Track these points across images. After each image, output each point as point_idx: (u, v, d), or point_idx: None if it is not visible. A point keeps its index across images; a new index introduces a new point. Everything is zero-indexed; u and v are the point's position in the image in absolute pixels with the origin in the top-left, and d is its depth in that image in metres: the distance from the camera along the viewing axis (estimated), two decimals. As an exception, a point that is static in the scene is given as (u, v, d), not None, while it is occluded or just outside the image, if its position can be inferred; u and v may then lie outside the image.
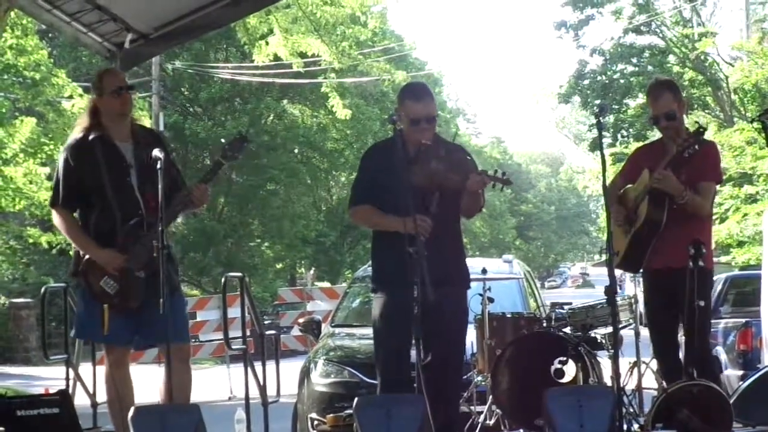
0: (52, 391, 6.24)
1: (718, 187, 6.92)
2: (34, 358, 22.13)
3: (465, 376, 6.91)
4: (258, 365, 6.80)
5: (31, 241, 19.45)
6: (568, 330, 7.44)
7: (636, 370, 7.57)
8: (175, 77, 31.31)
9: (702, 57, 29.68)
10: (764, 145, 19.47)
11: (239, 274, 7.21)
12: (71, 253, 6.12)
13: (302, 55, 20.90)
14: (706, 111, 30.83)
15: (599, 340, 7.49)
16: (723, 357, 11.04)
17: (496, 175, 5.65)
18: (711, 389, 5.82)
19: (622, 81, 32.83)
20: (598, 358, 7.57)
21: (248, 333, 7.44)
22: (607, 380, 7.38)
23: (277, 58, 20.31)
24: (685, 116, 6.73)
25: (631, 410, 6.97)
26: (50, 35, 25.97)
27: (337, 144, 34.17)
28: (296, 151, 33.59)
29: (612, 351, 6.06)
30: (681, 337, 6.52)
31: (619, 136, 32.08)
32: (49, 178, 16.15)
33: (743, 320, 10.94)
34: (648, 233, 6.26)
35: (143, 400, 5.90)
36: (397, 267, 5.46)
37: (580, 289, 63.71)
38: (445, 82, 59.38)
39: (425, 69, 41.42)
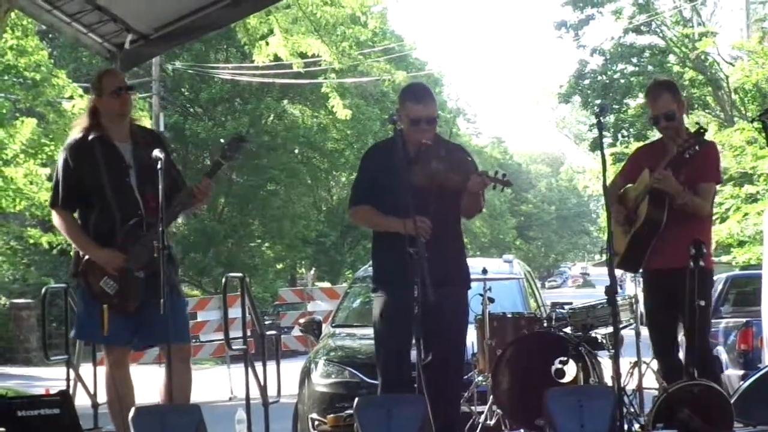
0: (52, 391, 6.24)
1: (718, 187, 6.92)
2: (35, 358, 22.12)
3: (465, 377, 6.90)
4: (258, 365, 6.80)
5: (31, 241, 19.44)
6: (568, 330, 7.43)
7: (636, 370, 7.55)
8: (176, 78, 31.31)
9: (702, 57, 29.69)
10: (764, 145, 19.48)
11: (240, 274, 7.21)
12: (72, 253, 6.12)
13: (302, 55, 20.90)
14: (707, 111, 30.83)
15: (600, 340, 7.48)
16: (724, 357, 11.04)
17: (496, 176, 5.65)
18: (712, 389, 5.82)
19: (622, 81, 32.83)
20: (599, 358, 7.56)
21: (249, 333, 7.44)
22: (608, 380, 7.38)
23: (277, 58, 20.31)
24: (685, 116, 6.73)
25: (632, 410, 6.96)
26: (50, 36, 25.97)
27: (338, 144, 34.17)
28: (296, 151, 33.58)
29: (612, 351, 6.06)
30: (681, 337, 6.53)
31: (619, 135, 32.09)
32: (49, 178, 16.13)
33: (744, 320, 10.94)
34: (648, 233, 6.26)
35: (144, 401, 5.90)
36: (398, 267, 5.46)
37: (581, 289, 63.71)
38: (446, 82, 59.37)
39: (425, 69, 41.41)
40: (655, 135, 6.72)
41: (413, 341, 5.35)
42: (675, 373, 6.19)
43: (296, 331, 16.26)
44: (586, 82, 33.92)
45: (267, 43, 19.85)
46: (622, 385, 6.18)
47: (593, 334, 7.43)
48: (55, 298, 8.52)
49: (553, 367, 7.01)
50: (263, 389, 6.80)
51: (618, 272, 6.24)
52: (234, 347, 7.84)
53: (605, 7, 32.47)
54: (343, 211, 34.34)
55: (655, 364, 6.83)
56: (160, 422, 5.16)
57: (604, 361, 7.47)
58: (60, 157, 6.11)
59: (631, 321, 7.60)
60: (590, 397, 5.50)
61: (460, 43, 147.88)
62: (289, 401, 8.03)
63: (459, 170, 5.65)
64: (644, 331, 6.94)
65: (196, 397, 6.02)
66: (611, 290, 5.67)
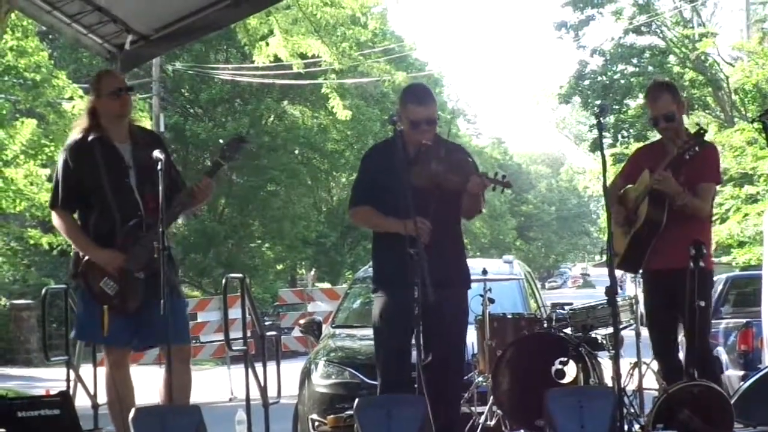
0: (52, 392, 6.24)
1: (718, 187, 6.92)
2: (35, 359, 22.12)
3: (466, 377, 6.90)
4: (259, 366, 6.79)
5: (31, 242, 19.42)
6: (568, 330, 7.43)
7: (637, 371, 7.56)
8: (176, 78, 31.31)
9: (702, 57, 29.70)
10: (765, 146, 19.49)
11: (240, 275, 7.20)
12: (72, 254, 6.12)
13: (302, 56, 20.89)
14: (707, 111, 30.85)
15: (600, 341, 7.48)
16: (724, 357, 11.03)
17: (496, 177, 5.65)
18: (712, 390, 5.82)
19: (622, 81, 32.84)
20: (599, 359, 7.56)
21: (249, 334, 7.43)
22: (608, 381, 7.38)
23: (277, 59, 20.29)
24: (685, 117, 6.73)
25: (632, 411, 6.96)
26: (51, 37, 25.96)
27: (338, 145, 34.18)
28: (297, 152, 33.58)
29: (613, 351, 6.05)
30: (681, 338, 6.53)
31: (619, 136, 32.10)
32: (49, 179, 16.14)
33: (744, 320, 10.94)
34: (648, 234, 6.26)
35: (144, 401, 5.90)
36: (398, 268, 5.46)
37: (581, 290, 63.68)
38: (446, 83, 59.42)
39: (425, 70, 41.41)
40: (655, 135, 6.72)
41: (413, 342, 5.34)
42: (675, 374, 6.19)
43: (296, 332, 16.27)
44: (586, 82, 33.94)
45: (267, 44, 19.83)
46: (622, 386, 6.18)
47: (593, 335, 7.43)
48: (56, 299, 8.51)
49: (554, 368, 7.01)
50: (263, 390, 6.79)
51: (618, 273, 6.23)
52: (234, 348, 7.83)
53: (605, 7, 32.48)
54: (343, 211, 34.35)
55: (655, 365, 6.83)
56: (160, 423, 5.16)
57: (605, 361, 7.47)
58: (60, 158, 6.11)
59: (632, 322, 7.60)
60: (590, 398, 5.50)
61: (460, 44, 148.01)
62: (289, 402, 8.02)
63: (459, 171, 5.65)
64: (644, 332, 6.94)
65: (196, 397, 6.02)
66: (611, 291, 5.67)
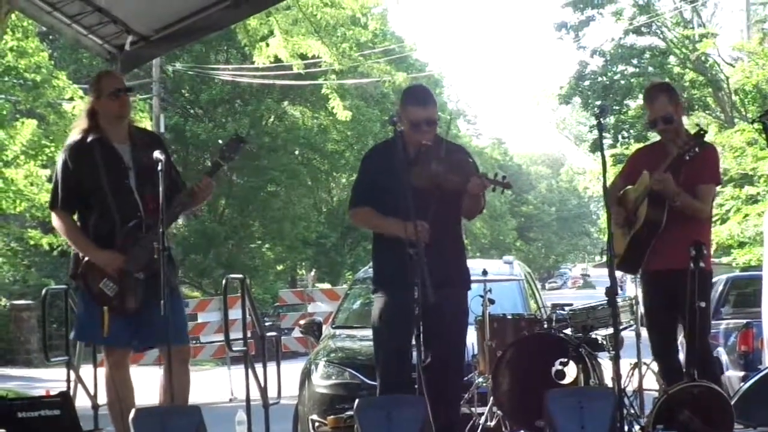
0: (53, 392, 6.24)
1: (718, 188, 6.92)
2: (35, 359, 22.12)
3: (466, 378, 6.91)
4: (259, 367, 6.79)
5: (32, 242, 19.43)
6: (568, 331, 7.43)
7: (637, 372, 7.56)
8: (176, 79, 31.32)
9: (703, 58, 29.70)
10: (765, 146, 19.48)
11: (240, 275, 7.20)
12: (72, 255, 6.12)
13: (303, 56, 20.89)
14: (707, 112, 30.85)
15: (600, 342, 7.48)
16: (724, 358, 11.03)
17: (496, 178, 5.64)
18: (712, 390, 5.82)
19: (622, 82, 32.86)
20: (599, 360, 7.57)
21: (249, 334, 7.44)
22: (608, 381, 7.38)
23: (277, 59, 20.29)
24: (685, 117, 6.73)
25: (632, 411, 6.96)
26: (51, 37, 25.98)
27: (338, 145, 34.19)
28: (297, 152, 33.59)
29: (613, 352, 6.06)
30: (681, 339, 6.52)
31: (619, 137, 32.11)
32: (49, 180, 16.15)
33: (744, 321, 10.94)
34: (647, 235, 6.26)
35: (144, 402, 5.90)
36: (398, 268, 5.46)
37: (581, 291, 63.69)
38: (446, 84, 59.47)
39: (426, 70, 41.43)
40: (655, 137, 6.72)
41: (413, 342, 5.34)
42: (674, 375, 6.19)
43: (296, 333, 16.27)
44: (587, 83, 33.95)
45: (267, 45, 19.83)
46: (622, 387, 6.18)
47: (593, 336, 7.43)
48: (56, 300, 8.51)
49: (554, 369, 7.01)
50: (263, 390, 6.79)
51: (618, 274, 6.23)
52: (234, 348, 7.84)
53: (605, 8, 32.50)
54: (343, 212, 34.35)
55: (655, 366, 6.83)
56: (160, 423, 5.16)
57: (605, 362, 7.47)
58: (59, 158, 6.11)
59: (632, 322, 7.61)
60: (590, 399, 5.50)
61: (460, 44, 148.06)
62: (289, 402, 8.02)
63: (459, 171, 5.65)
64: (644, 333, 6.95)
65: (196, 398, 6.02)
66: (611, 291, 5.67)
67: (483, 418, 7.07)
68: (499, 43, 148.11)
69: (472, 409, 7.17)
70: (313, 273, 35.24)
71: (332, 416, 6.98)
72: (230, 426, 7.09)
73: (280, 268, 37.01)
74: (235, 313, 8.59)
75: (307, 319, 10.26)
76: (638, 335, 7.60)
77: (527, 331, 7.48)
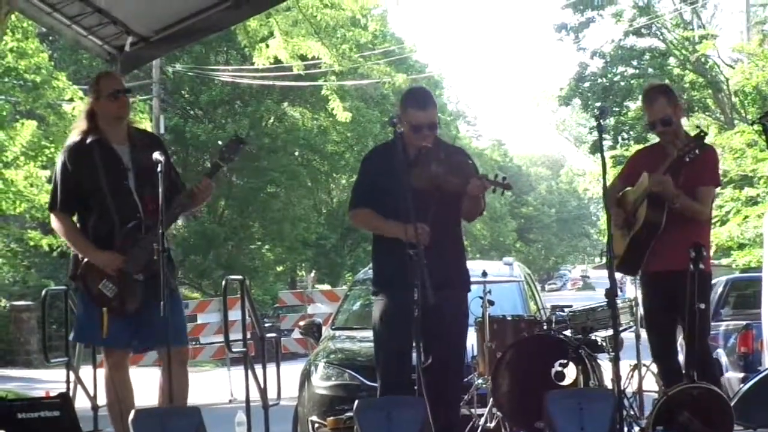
0: (52, 393, 6.24)
1: (718, 189, 6.92)
2: (35, 360, 22.10)
3: (465, 379, 6.91)
4: (258, 368, 6.79)
5: (31, 243, 19.42)
6: (568, 333, 7.43)
7: (636, 373, 7.57)
8: (176, 80, 31.32)
9: (702, 59, 29.72)
10: (765, 148, 19.45)
11: (240, 276, 7.20)
12: (71, 256, 6.12)
13: (302, 57, 20.89)
14: (707, 113, 30.87)
15: (600, 343, 7.49)
16: (724, 359, 11.04)
17: (497, 179, 5.64)
18: (712, 392, 5.82)
19: (622, 83, 32.89)
20: (599, 361, 7.57)
21: (249, 336, 7.44)
22: (608, 383, 7.38)
23: (277, 60, 20.30)
24: (685, 119, 6.73)
25: (632, 413, 6.97)
26: (51, 38, 25.98)
27: (338, 146, 34.19)
28: (297, 153, 33.60)
29: (612, 354, 6.06)
30: (681, 341, 6.52)
31: (619, 138, 32.15)
32: (49, 181, 16.15)
33: (744, 323, 10.94)
34: (647, 236, 6.26)
35: (143, 403, 5.90)
36: (398, 270, 5.46)
37: (581, 292, 63.69)
38: (446, 85, 59.48)
39: (426, 71, 41.44)
40: (655, 138, 6.71)
41: (413, 344, 5.34)
42: (674, 376, 6.19)
43: (296, 334, 16.25)
44: (587, 84, 33.99)
45: (267, 46, 19.84)
46: (622, 388, 6.18)
47: (593, 337, 7.44)
48: (56, 301, 8.50)
49: (553, 370, 7.02)
50: (263, 392, 6.79)
51: (618, 275, 6.23)
52: (234, 350, 7.83)
53: (605, 9, 32.53)
54: (343, 213, 34.36)
55: (654, 367, 6.83)
56: (160, 424, 5.16)
57: (604, 363, 7.47)
58: (58, 160, 6.11)
59: (631, 324, 7.61)
60: (590, 400, 5.50)
61: (460, 46, 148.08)
62: (289, 404, 8.02)
63: (459, 173, 5.65)
64: (644, 334, 6.95)
65: (195, 399, 6.02)
66: (611, 293, 5.67)
67: (483, 420, 7.07)
68: (499, 45, 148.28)
69: (472, 410, 7.17)
70: (312, 274, 35.23)
71: (332, 417, 6.97)
72: (230, 427, 7.09)
73: (279, 269, 37.02)
74: (234, 314, 8.60)
75: (307, 320, 10.26)
76: (638, 337, 7.60)
77: (527, 332, 7.48)
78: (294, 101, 33.52)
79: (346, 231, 36.16)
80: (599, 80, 33.44)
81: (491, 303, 7.46)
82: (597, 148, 22.70)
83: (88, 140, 5.93)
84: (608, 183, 6.19)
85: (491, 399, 7.07)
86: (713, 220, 7.55)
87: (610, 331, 6.91)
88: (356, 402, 5.40)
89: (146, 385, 7.16)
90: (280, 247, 33.90)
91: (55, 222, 6.06)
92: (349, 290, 10.48)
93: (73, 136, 6.06)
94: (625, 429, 5.70)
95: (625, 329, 7.33)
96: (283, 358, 9.27)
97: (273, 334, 11.03)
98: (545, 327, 7.56)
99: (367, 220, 5.98)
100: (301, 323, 10.76)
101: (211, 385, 15.19)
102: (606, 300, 6.06)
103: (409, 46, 36.36)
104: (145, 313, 5.78)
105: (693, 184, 6.23)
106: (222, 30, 12.30)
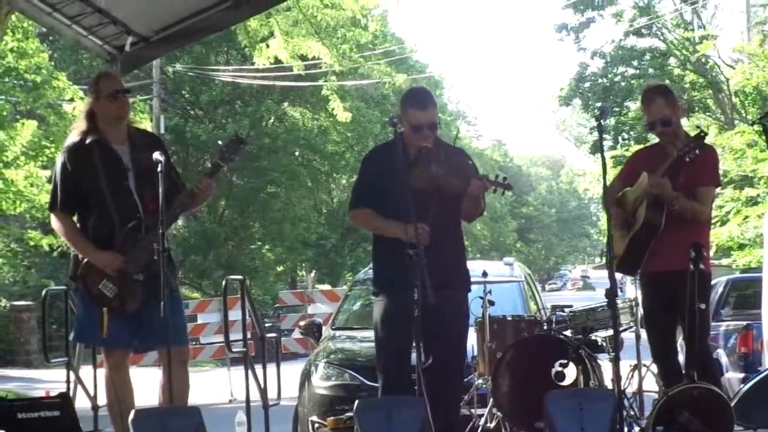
0: (52, 393, 6.24)
1: (718, 190, 6.91)
2: (35, 360, 22.10)
3: (466, 379, 6.91)
4: (259, 368, 6.79)
5: (32, 243, 19.43)
6: (568, 333, 7.43)
7: (637, 373, 7.56)
8: (176, 80, 31.33)
9: (703, 60, 29.72)
10: (765, 148, 19.46)
11: (240, 276, 7.20)
12: (71, 256, 6.11)
13: (303, 57, 20.89)
14: (707, 113, 30.87)
15: (600, 343, 7.49)
16: (724, 360, 11.04)
17: (497, 179, 5.64)
18: (712, 392, 5.82)
19: (623, 84, 32.90)
20: (599, 361, 7.57)
21: (249, 336, 7.43)
22: (608, 383, 7.38)
23: (277, 60, 20.30)
24: (686, 119, 6.73)
25: (632, 413, 6.97)
26: (51, 38, 25.98)
27: (338, 147, 34.20)
28: (297, 153, 33.60)
29: (613, 354, 6.06)
30: (681, 341, 6.52)
31: (619, 138, 32.15)
32: (49, 181, 16.16)
33: (744, 323, 10.94)
34: (646, 236, 6.26)
35: (144, 403, 5.90)
36: (398, 270, 5.46)
37: (581, 292, 63.71)
38: (446, 85, 59.49)
39: (426, 72, 41.45)
40: (655, 138, 6.71)
41: (413, 344, 5.35)
42: (673, 376, 6.19)
43: (296, 334, 16.26)
44: (587, 84, 33.99)
45: (267, 46, 19.83)
46: (622, 388, 6.18)
47: (593, 337, 7.44)
48: (56, 301, 8.51)
49: (553, 370, 7.02)
50: (263, 392, 6.79)
51: (618, 275, 6.23)
52: (234, 350, 7.83)
53: (606, 10, 32.52)
54: (343, 213, 34.36)
55: (655, 367, 6.83)
56: (160, 425, 5.16)
57: (604, 364, 7.47)
58: (58, 160, 6.11)
59: (631, 324, 7.61)
60: (590, 400, 5.50)
61: (460, 46, 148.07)
62: (289, 404, 8.02)
63: (459, 174, 5.64)
64: (644, 334, 6.95)
65: (195, 399, 6.01)
66: (611, 293, 5.67)
67: (483, 420, 7.07)
68: (500, 45, 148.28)
69: (472, 410, 7.17)
70: (313, 274, 35.25)
71: (332, 417, 6.97)
72: (230, 427, 7.09)
73: (280, 269, 37.02)
74: (234, 314, 8.61)
75: (307, 320, 10.26)
76: (638, 337, 7.60)
77: (527, 332, 7.48)
78: (294, 101, 33.52)
79: (347, 231, 36.16)
80: (599, 80, 33.44)
81: (491, 303, 7.46)
82: (597, 148, 22.71)
83: (88, 140, 5.93)
84: (608, 183, 6.19)
85: (491, 399, 7.07)
86: (713, 221, 7.55)
87: (611, 332, 6.91)
88: (356, 402, 5.40)
89: (146, 385, 7.16)
90: (281, 247, 33.90)
91: (55, 222, 6.06)
92: (349, 290, 10.48)
93: (73, 137, 6.05)
94: (625, 429, 5.70)
95: (625, 329, 7.32)
96: (284, 358, 9.27)
97: (273, 334, 11.03)
98: (545, 327, 7.56)
99: (368, 220, 5.98)
100: (302, 323, 10.76)
101: (211, 385, 15.19)
102: (606, 300, 6.06)
103: (409, 46, 36.36)
104: (145, 313, 5.77)
105: (693, 184, 6.22)
106: (222, 30, 12.30)
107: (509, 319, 7.66)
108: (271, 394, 6.89)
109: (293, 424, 8.35)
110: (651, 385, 7.47)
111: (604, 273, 5.87)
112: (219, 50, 31.67)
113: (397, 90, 26.74)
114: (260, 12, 14.49)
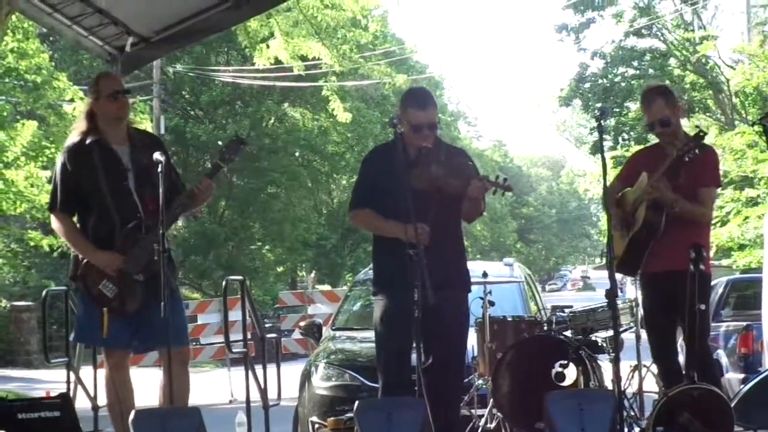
0: (53, 394, 6.24)
1: (718, 190, 6.91)
2: (35, 361, 22.10)
3: (466, 380, 6.91)
4: (259, 368, 6.79)
5: (32, 244, 19.43)
6: (568, 333, 7.44)
7: (637, 374, 7.56)
8: (176, 80, 31.33)
9: (703, 60, 29.71)
10: (765, 148, 19.47)
11: (240, 277, 7.20)
12: (72, 256, 6.12)
13: (303, 58, 20.89)
14: (707, 114, 30.87)
15: (600, 344, 7.48)
16: (724, 360, 11.04)
17: (497, 180, 5.64)
18: (712, 392, 5.82)
19: (623, 84, 32.89)
20: (599, 362, 7.57)
21: (249, 336, 7.43)
22: (608, 383, 7.38)
23: (277, 61, 20.30)
24: (686, 119, 6.74)
25: (632, 414, 6.97)
26: (51, 38, 25.99)
27: (338, 147, 34.20)
28: (297, 154, 33.60)
29: (613, 354, 6.06)
30: (681, 342, 6.52)
31: (620, 139, 32.15)
32: (50, 181, 16.16)
33: (744, 323, 10.94)
34: (646, 237, 6.26)
35: (144, 404, 5.90)
36: (398, 270, 5.46)
37: (581, 293, 63.72)
38: (446, 86, 59.49)
39: (426, 72, 41.44)
40: (655, 139, 6.71)
41: (413, 344, 5.35)
42: (673, 377, 6.19)
43: (296, 334, 16.25)
44: (587, 85, 33.99)
45: (267, 46, 19.82)
46: (622, 389, 6.18)
47: (593, 338, 7.44)
48: (56, 301, 8.51)
49: (554, 371, 7.02)
50: (263, 392, 6.79)
51: (618, 276, 6.23)
52: (234, 350, 7.82)
53: (606, 10, 32.51)
54: (343, 214, 34.35)
55: (655, 368, 6.84)
56: (160, 425, 5.16)
57: (605, 364, 7.47)
58: (58, 160, 6.12)
59: (632, 324, 7.61)
60: (590, 401, 5.50)
61: (461, 46, 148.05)
62: (289, 404, 8.02)
63: (459, 175, 5.64)
64: (644, 335, 6.95)
65: (196, 399, 6.01)
66: (611, 293, 5.67)
67: (483, 420, 7.07)
68: (500, 45, 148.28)
69: (472, 411, 7.17)
70: (313, 275, 35.24)
71: (332, 418, 6.98)
72: (230, 427, 7.09)
73: (280, 269, 37.02)
74: (235, 315, 8.61)
75: (307, 320, 10.26)
76: (638, 337, 7.60)
77: (527, 333, 7.48)
78: (294, 102, 33.52)
79: (347, 231, 36.16)
80: (600, 81, 33.44)
81: (492, 304, 7.46)
82: (597, 148, 22.71)
83: (88, 141, 5.93)
84: (608, 183, 6.19)
85: (491, 400, 7.07)
86: (713, 221, 7.55)
87: (611, 332, 6.91)
88: (356, 402, 5.40)
89: (147, 385, 7.16)
90: (281, 248, 33.90)
91: (55, 222, 6.06)
92: (349, 291, 10.48)
93: (73, 137, 6.06)
94: (626, 430, 5.70)
95: (625, 330, 7.33)
96: (284, 359, 9.27)
97: (273, 335, 10.99)
98: (545, 328, 7.56)
99: (368, 221, 5.98)
100: (302, 324, 10.76)
101: (212, 386, 15.19)
102: (606, 301, 6.07)
103: (409, 46, 36.39)
104: (145, 313, 5.78)
105: (694, 185, 6.22)
106: (222, 30, 12.30)
107: (509, 319, 7.66)
108: (272, 394, 6.89)
109: (293, 424, 8.35)
110: (651, 385, 7.47)
111: (605, 273, 5.87)
112: (219, 51, 31.67)
113: (397, 90, 26.73)
114: (260, 12, 14.48)
